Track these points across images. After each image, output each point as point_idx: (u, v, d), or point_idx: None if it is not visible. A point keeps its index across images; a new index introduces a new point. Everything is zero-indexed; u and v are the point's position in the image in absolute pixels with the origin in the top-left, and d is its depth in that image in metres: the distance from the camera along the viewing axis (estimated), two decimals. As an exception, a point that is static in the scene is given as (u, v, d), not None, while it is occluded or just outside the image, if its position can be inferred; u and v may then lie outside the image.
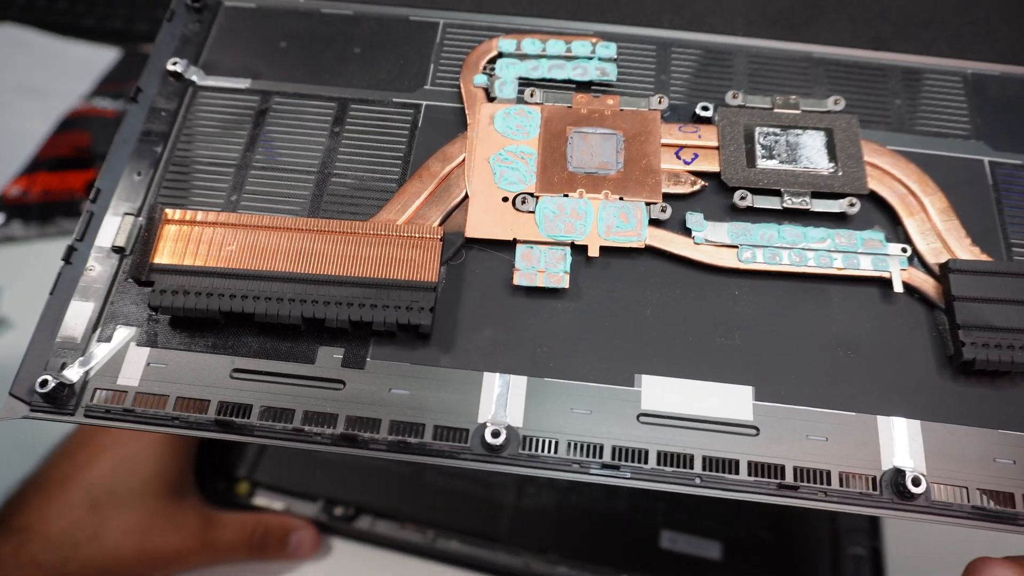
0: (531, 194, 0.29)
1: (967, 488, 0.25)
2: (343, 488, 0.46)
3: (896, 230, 0.29)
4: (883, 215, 0.30)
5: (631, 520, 0.45)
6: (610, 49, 0.33)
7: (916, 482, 0.25)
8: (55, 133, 0.61)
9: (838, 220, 0.29)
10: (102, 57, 0.67)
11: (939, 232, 0.29)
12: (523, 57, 0.33)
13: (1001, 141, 0.31)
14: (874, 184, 0.30)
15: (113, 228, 0.29)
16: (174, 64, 0.32)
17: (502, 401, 0.26)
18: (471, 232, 0.29)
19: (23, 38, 0.68)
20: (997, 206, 0.30)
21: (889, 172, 0.30)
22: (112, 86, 0.65)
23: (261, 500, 0.46)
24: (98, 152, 0.60)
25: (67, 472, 0.42)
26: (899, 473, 0.25)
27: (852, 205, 0.29)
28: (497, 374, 0.27)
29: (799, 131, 0.31)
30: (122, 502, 0.41)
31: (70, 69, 0.65)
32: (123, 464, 0.42)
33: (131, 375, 0.27)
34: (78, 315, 0.28)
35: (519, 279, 0.28)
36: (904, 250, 0.28)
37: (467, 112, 0.31)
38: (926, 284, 0.28)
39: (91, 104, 0.63)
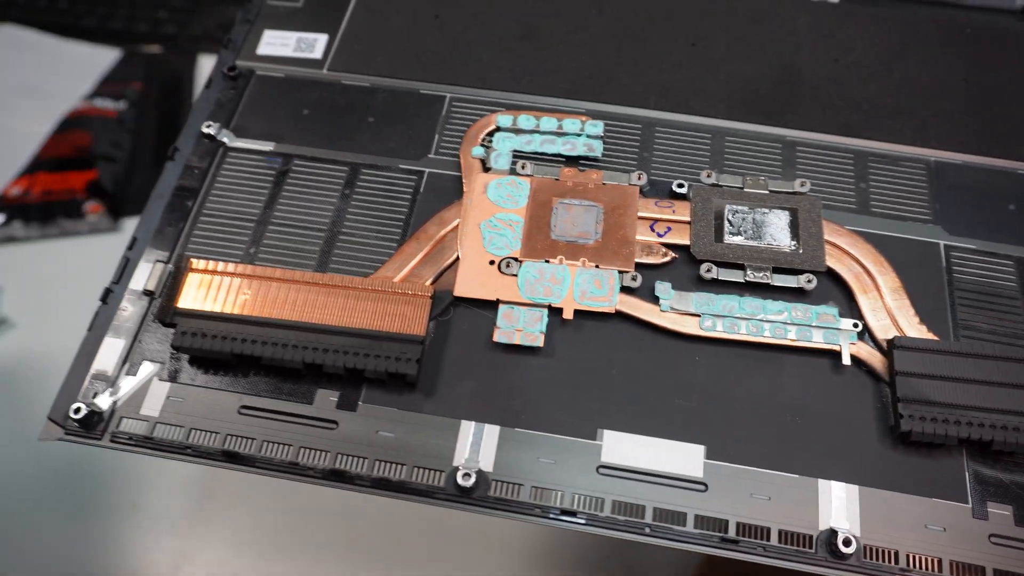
0: (516, 259, 0.32)
1: (898, 551, 0.27)
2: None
3: (850, 306, 0.32)
4: (839, 291, 0.32)
5: None
6: (597, 127, 0.36)
7: (847, 543, 0.27)
8: (55, 133, 0.61)
9: (797, 294, 0.32)
10: (102, 57, 0.66)
11: (889, 310, 0.31)
12: (518, 132, 0.36)
13: (957, 226, 0.34)
14: (832, 262, 0.32)
15: (145, 273, 0.33)
16: (208, 127, 0.36)
17: (476, 447, 0.29)
18: (459, 292, 0.32)
19: (23, 38, 0.68)
20: (948, 288, 0.32)
21: (847, 251, 0.33)
22: (112, 86, 0.64)
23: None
24: (98, 152, 0.60)
25: None
26: (833, 534, 0.27)
27: (809, 281, 0.32)
28: (473, 423, 0.30)
29: (766, 210, 0.33)
30: None
31: (70, 69, 0.65)
32: None
33: (153, 407, 0.30)
34: (110, 350, 0.32)
35: (499, 336, 0.31)
36: (855, 325, 0.31)
37: (464, 181, 0.35)
38: (873, 358, 0.30)
39: (91, 104, 0.63)
